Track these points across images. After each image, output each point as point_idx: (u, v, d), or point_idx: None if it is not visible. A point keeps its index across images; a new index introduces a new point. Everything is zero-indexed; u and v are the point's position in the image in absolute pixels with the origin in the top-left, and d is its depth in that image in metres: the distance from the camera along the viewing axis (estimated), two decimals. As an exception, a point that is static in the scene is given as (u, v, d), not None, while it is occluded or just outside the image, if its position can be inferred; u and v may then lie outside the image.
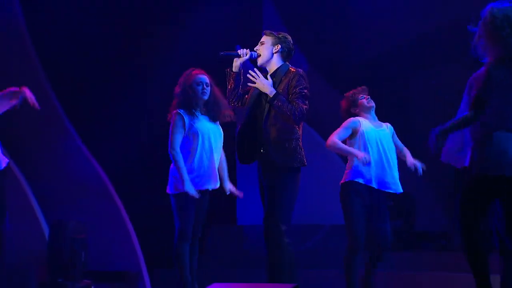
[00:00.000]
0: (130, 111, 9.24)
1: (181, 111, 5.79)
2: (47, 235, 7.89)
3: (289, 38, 5.60)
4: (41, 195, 8.28)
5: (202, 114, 5.86)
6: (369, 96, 6.16)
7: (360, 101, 6.13)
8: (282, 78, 5.50)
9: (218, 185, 5.88)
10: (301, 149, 5.51)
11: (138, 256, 8.39)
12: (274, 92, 5.42)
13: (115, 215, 8.47)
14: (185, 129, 5.76)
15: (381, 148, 6.02)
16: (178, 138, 5.76)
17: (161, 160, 6.51)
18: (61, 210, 8.33)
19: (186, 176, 5.66)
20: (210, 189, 5.87)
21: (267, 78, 5.53)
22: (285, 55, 5.59)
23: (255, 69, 5.52)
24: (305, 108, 5.40)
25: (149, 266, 8.50)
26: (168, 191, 5.86)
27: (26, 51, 8.72)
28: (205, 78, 5.89)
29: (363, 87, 6.21)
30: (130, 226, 8.46)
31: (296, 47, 5.68)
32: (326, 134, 9.47)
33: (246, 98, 5.65)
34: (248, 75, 5.47)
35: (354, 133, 6.05)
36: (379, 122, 6.21)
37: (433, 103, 9.30)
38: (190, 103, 5.81)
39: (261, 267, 5.75)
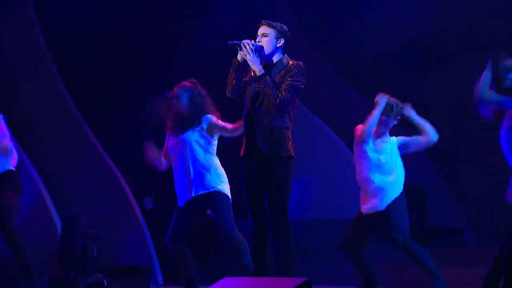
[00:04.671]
0: (144, 108, 9.25)
1: None
2: (60, 230, 7.91)
3: (288, 30, 5.43)
4: (54, 190, 8.31)
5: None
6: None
7: None
8: (282, 71, 5.38)
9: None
10: (289, 140, 5.36)
11: (150, 250, 8.40)
12: (262, 72, 5.30)
13: (127, 210, 8.48)
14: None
15: None
16: None
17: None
18: (73, 205, 8.35)
19: None
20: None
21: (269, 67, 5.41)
22: (286, 48, 5.46)
23: (253, 44, 5.30)
24: (288, 97, 5.27)
25: (162, 261, 8.51)
26: None
27: (40, 51, 8.75)
28: (176, 90, 6.29)
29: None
30: (142, 221, 8.47)
31: (309, 45, 5.62)
32: (340, 131, 9.50)
33: (246, 91, 5.47)
34: (241, 44, 5.28)
35: None
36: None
37: (449, 100, 9.24)
38: None
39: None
